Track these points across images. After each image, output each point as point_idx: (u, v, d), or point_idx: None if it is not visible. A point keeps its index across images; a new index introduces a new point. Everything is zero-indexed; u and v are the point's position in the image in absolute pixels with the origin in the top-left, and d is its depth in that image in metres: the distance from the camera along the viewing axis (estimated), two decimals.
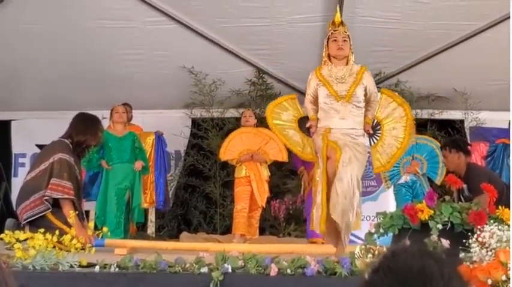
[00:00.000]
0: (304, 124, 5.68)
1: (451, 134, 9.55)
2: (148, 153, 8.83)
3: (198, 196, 9.98)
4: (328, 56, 5.53)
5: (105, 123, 7.90)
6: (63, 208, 5.68)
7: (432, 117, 9.86)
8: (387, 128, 5.67)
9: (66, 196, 5.73)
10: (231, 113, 10.14)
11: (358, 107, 5.37)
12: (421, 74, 9.06)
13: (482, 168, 7.33)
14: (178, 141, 10.08)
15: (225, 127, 9.80)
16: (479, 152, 8.68)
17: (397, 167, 7.86)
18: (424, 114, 9.71)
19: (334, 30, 5.51)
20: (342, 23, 5.57)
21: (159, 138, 9.32)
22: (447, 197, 4.20)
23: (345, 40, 5.44)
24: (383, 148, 5.59)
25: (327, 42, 5.54)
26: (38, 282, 4.02)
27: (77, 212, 5.57)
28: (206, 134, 9.97)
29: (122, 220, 7.67)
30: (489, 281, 2.61)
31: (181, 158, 10.30)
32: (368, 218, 8.42)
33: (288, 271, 3.93)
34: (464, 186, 5.92)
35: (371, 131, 5.51)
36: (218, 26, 8.30)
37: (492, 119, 9.59)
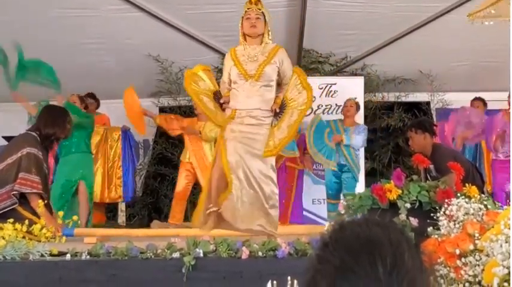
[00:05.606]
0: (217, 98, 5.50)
1: (417, 116, 9.62)
2: (114, 148, 8.96)
3: (167, 184, 9.93)
4: (244, 35, 5.43)
5: None
6: (31, 201, 5.62)
7: (399, 100, 9.93)
8: (288, 111, 5.37)
9: (34, 190, 5.68)
10: None
11: (268, 86, 5.26)
12: (386, 57, 9.11)
13: (448, 148, 7.37)
14: (146, 130, 10.01)
15: (193, 115, 9.77)
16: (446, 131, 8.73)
17: (325, 145, 8.01)
18: (391, 97, 9.80)
19: (248, 8, 5.35)
20: (258, 0, 5.38)
21: (126, 133, 9.28)
22: (415, 177, 4.26)
23: (258, 18, 5.30)
24: (279, 131, 5.31)
25: (242, 20, 5.42)
26: (9, 272, 4.00)
27: (45, 201, 5.56)
28: None
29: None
30: (457, 252, 2.68)
31: (150, 147, 10.25)
32: (319, 202, 8.55)
33: (259, 253, 3.97)
34: (431, 166, 5.97)
35: (277, 110, 5.29)
36: (183, 13, 8.26)
37: (458, 100, 9.66)
